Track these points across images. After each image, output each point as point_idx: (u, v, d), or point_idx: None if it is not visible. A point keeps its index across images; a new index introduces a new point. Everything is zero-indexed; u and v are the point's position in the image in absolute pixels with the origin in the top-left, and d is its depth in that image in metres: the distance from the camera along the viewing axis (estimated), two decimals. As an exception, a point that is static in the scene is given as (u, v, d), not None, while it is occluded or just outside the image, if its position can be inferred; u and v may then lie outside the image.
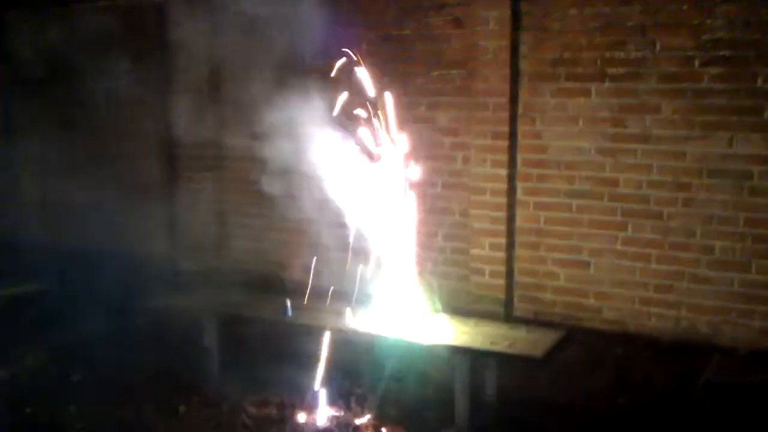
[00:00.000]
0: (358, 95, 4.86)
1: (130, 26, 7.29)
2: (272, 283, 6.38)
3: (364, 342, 4.92)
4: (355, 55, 4.95)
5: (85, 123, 7.75)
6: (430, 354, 4.79)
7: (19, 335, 5.72)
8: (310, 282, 5.08)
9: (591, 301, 5.57)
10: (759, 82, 4.92)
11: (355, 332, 4.89)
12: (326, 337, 4.76)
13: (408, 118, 5.40)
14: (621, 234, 5.43)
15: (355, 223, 5.12)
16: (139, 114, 7.45)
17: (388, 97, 4.85)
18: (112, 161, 7.61)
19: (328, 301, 5.07)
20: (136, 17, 7.32)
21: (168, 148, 7.33)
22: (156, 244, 7.38)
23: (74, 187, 7.24)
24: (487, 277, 5.86)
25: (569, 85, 5.47)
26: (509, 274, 5.82)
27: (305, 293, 5.10)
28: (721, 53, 5.01)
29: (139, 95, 7.23)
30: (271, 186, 6.00)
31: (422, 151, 5.38)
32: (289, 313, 5.20)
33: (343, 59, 4.92)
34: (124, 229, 7.46)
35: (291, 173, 5.64)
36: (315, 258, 5.16)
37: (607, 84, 5.36)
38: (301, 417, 4.69)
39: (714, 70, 5.04)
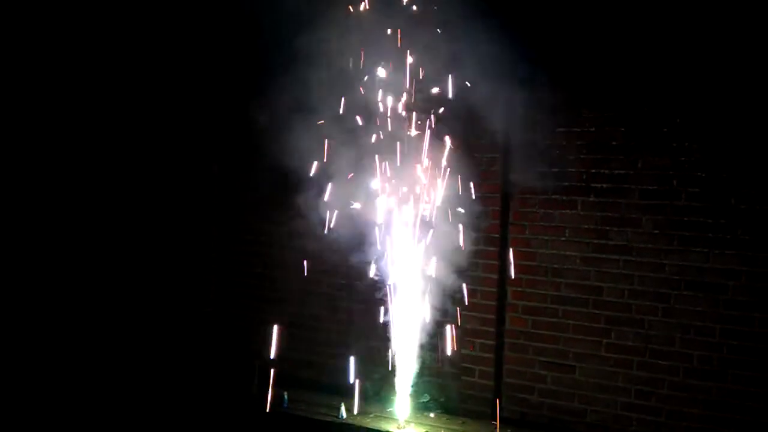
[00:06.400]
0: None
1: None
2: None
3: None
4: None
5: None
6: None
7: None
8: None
9: (576, 404, 5.73)
10: (732, 201, 5.23)
11: (342, 425, 5.11)
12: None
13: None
14: (605, 340, 5.63)
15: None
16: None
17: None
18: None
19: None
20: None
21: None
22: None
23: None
24: (476, 377, 6.03)
25: (556, 197, 5.79)
26: (498, 375, 5.99)
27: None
28: (698, 173, 5.34)
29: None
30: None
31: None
32: (286, 404, 5.47)
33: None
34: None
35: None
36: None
37: (591, 198, 5.67)
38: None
39: (691, 189, 5.36)
